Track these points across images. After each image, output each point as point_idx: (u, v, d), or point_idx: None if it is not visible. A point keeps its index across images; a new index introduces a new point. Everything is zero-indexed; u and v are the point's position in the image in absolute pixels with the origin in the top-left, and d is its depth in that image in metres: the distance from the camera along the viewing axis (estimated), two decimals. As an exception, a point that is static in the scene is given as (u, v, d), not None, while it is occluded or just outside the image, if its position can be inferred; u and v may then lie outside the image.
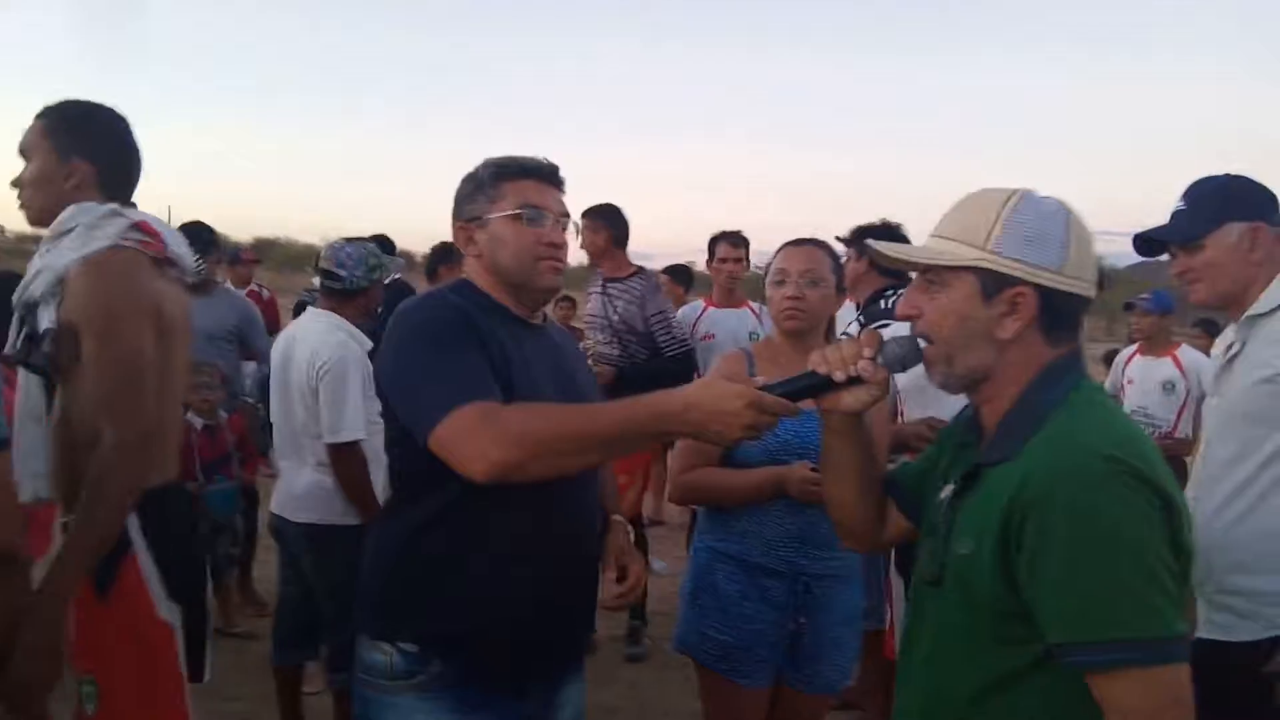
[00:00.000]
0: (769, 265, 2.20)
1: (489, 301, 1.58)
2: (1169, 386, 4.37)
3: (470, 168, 1.64)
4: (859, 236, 3.13)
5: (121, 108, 1.85)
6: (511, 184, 1.57)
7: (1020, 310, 1.14)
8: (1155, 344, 4.54)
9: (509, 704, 1.56)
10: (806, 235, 2.24)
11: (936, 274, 1.20)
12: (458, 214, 1.62)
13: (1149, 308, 4.53)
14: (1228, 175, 1.88)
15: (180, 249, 1.86)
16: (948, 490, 1.23)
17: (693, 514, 4.19)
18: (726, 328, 4.16)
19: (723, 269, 4.25)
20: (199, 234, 4.03)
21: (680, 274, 6.18)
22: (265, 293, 6.98)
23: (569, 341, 1.77)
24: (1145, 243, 1.94)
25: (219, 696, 3.37)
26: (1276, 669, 1.64)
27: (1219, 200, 1.81)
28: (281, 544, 2.95)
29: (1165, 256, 1.94)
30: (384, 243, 5.97)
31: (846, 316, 3.69)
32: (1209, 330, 5.60)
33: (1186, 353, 4.47)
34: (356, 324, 2.85)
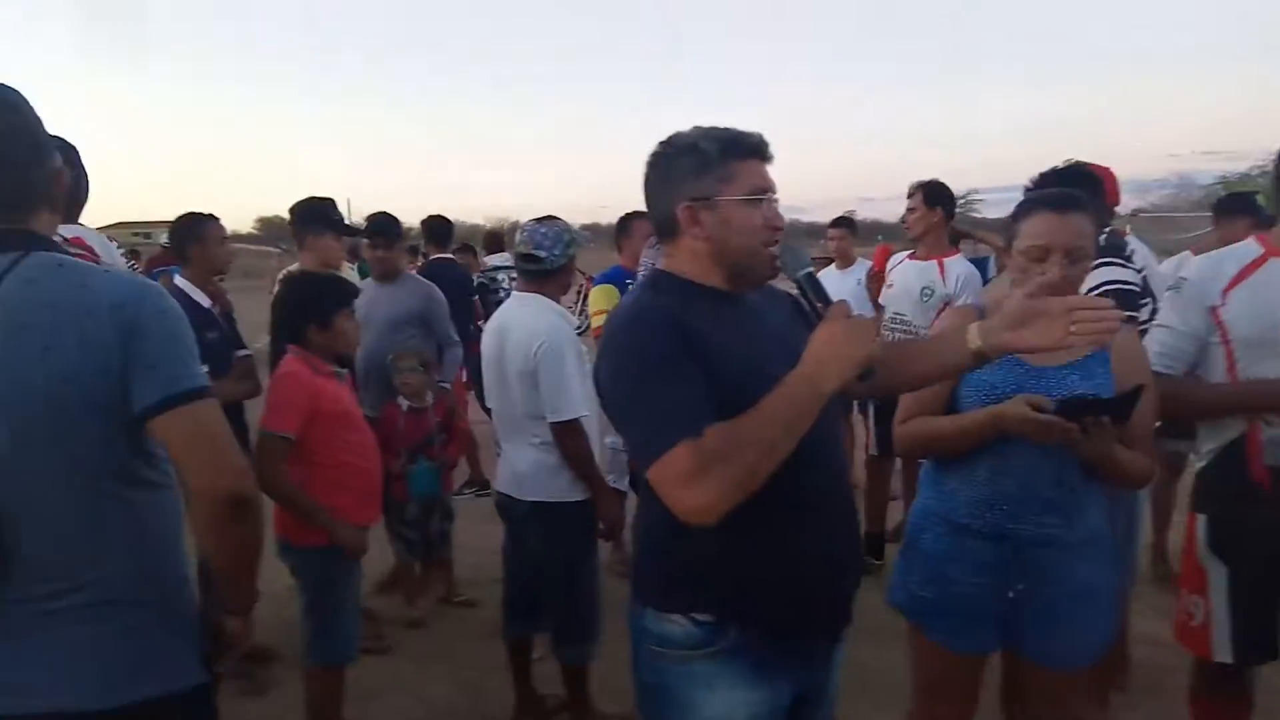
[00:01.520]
0: (1014, 227, 1.96)
1: (696, 288, 1.55)
2: None
3: (677, 137, 1.57)
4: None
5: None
6: (741, 164, 1.52)
7: None
8: None
9: (799, 667, 1.60)
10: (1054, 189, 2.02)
11: None
12: (677, 192, 1.54)
13: None
14: None
15: (113, 258, 2.00)
16: None
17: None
18: (904, 280, 4.20)
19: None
20: (385, 225, 4.20)
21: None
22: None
23: (771, 300, 1.70)
24: None
25: (452, 663, 3.58)
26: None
27: None
28: (507, 521, 3.04)
29: None
30: (442, 224, 6.10)
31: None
32: None
33: None
34: (553, 299, 2.91)
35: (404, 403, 3.88)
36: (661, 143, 1.58)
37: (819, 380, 1.37)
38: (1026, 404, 1.80)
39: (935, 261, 4.07)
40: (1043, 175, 2.80)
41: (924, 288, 4.05)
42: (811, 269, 1.52)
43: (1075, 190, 2.00)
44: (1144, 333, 2.79)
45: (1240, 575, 2.11)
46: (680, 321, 1.47)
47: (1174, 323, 2.22)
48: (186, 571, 1.50)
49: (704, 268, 1.56)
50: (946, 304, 3.91)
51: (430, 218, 6.18)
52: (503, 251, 7.23)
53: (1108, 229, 2.88)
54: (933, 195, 4.09)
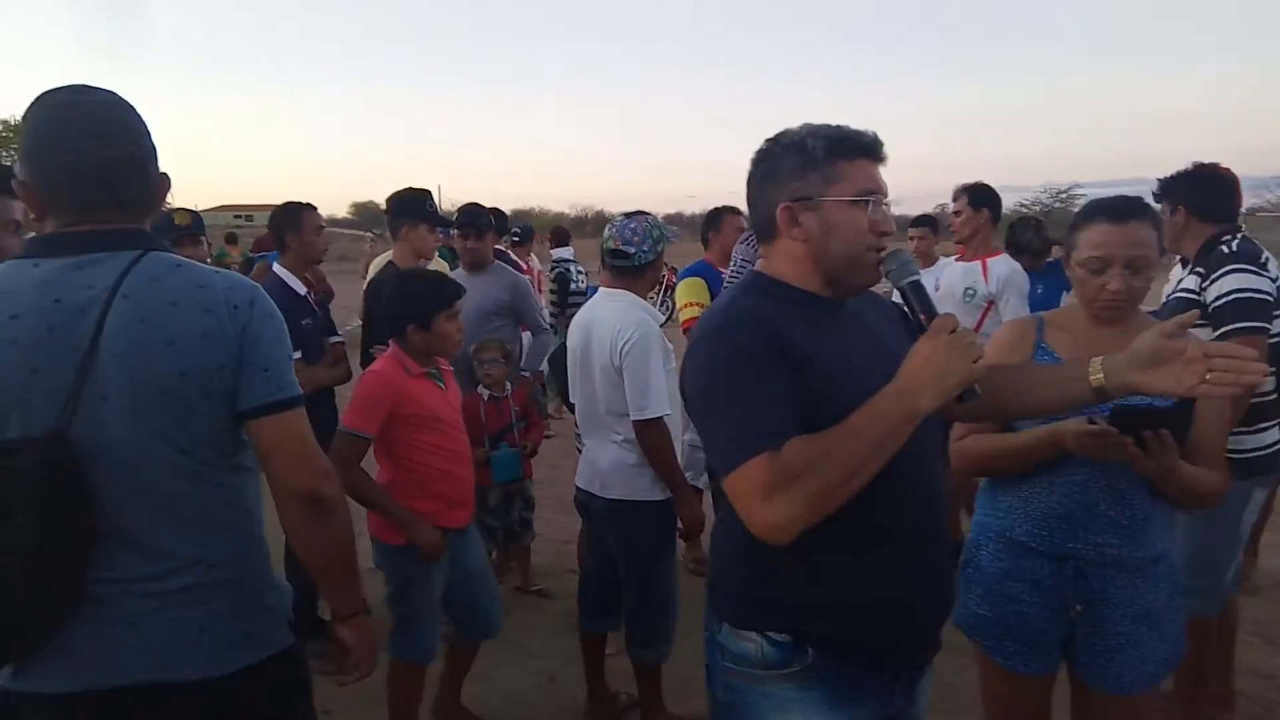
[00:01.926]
0: (1073, 238, 1.87)
1: (794, 293, 1.49)
2: None
3: (784, 134, 1.51)
4: (1170, 189, 2.84)
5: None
6: (849, 164, 1.44)
7: None
8: None
9: (879, 693, 1.53)
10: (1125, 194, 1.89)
11: None
12: (778, 190, 1.47)
13: None
14: None
15: None
16: None
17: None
18: (948, 281, 4.22)
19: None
20: (475, 216, 4.23)
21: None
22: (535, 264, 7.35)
23: (875, 308, 1.61)
24: None
25: (525, 652, 3.61)
26: None
27: None
28: (586, 518, 3.04)
29: None
30: (498, 215, 6.09)
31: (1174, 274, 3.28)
32: None
33: None
34: (640, 295, 2.87)
35: (485, 392, 3.93)
36: (768, 139, 1.52)
37: (914, 398, 1.30)
38: (1087, 420, 1.71)
39: (979, 262, 4.06)
40: (1160, 181, 2.67)
41: (967, 288, 4.05)
42: (918, 277, 1.44)
43: (1137, 197, 1.88)
44: (1276, 346, 2.61)
45: None
46: (773, 326, 1.41)
47: None
48: (267, 546, 1.60)
49: (803, 271, 1.49)
50: (990, 304, 3.98)
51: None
52: (567, 245, 7.34)
53: (1239, 234, 2.71)
54: (978, 197, 4.11)
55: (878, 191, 1.45)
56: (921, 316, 1.41)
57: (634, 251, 2.82)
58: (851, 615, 1.46)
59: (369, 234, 13.96)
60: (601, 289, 3.01)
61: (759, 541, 1.33)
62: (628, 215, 2.93)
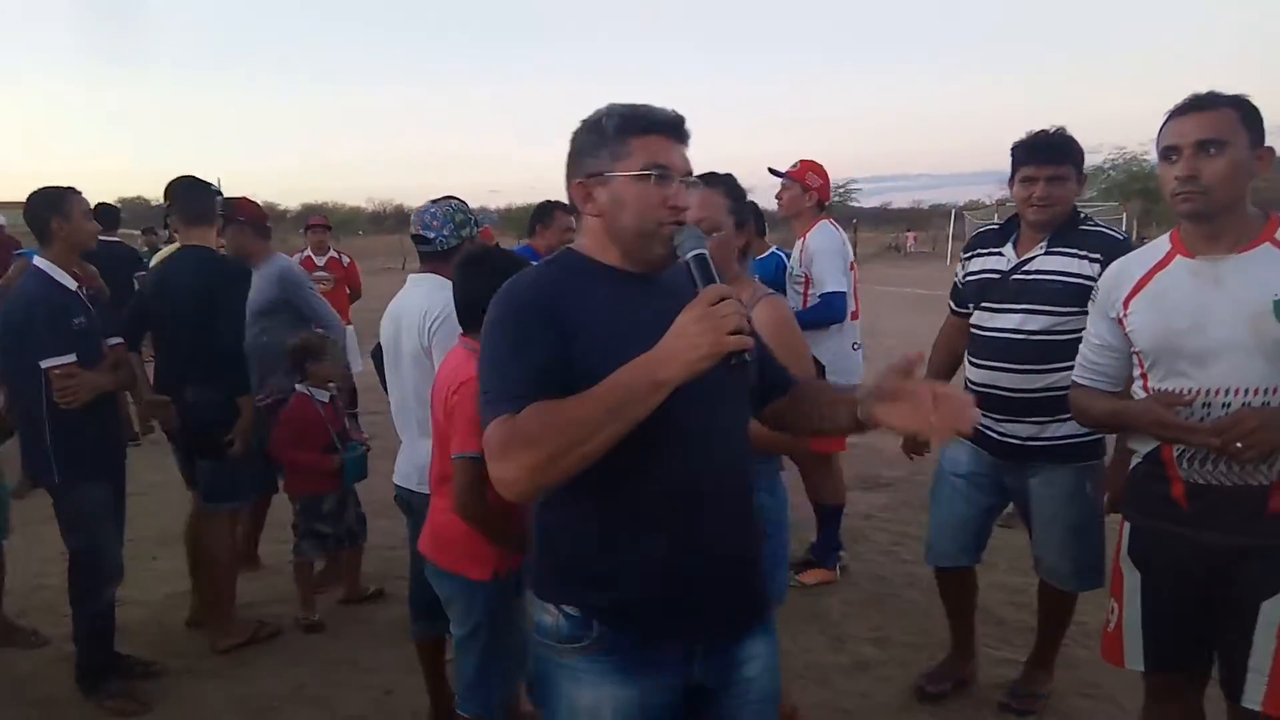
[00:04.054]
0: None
1: (593, 265, 1.53)
2: None
3: (589, 115, 1.52)
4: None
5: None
6: (639, 139, 1.46)
7: None
8: None
9: (677, 666, 1.53)
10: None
11: None
12: (576, 168, 1.51)
13: None
14: None
15: None
16: None
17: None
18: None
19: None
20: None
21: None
22: (345, 259, 6.95)
23: (688, 286, 1.49)
24: None
25: (358, 668, 3.38)
26: None
27: None
28: (410, 516, 2.86)
29: None
30: (109, 209, 5.95)
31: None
32: None
33: None
34: (449, 278, 2.71)
35: (313, 392, 3.75)
36: (581, 120, 1.54)
37: (659, 368, 1.30)
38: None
39: (801, 239, 4.10)
40: (1031, 133, 2.72)
41: (789, 270, 4.11)
42: (703, 251, 1.43)
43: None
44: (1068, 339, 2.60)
45: (1149, 584, 2.07)
46: (551, 296, 1.45)
47: (1089, 334, 2.19)
48: None
49: (602, 245, 1.52)
50: (807, 279, 3.99)
51: (99, 205, 6.08)
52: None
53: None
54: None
55: (666, 166, 1.46)
56: (700, 289, 1.39)
57: (434, 236, 2.80)
58: (634, 586, 1.47)
59: (138, 233, 12.78)
60: (409, 276, 2.95)
61: (555, 513, 1.41)
62: (434, 201, 2.88)
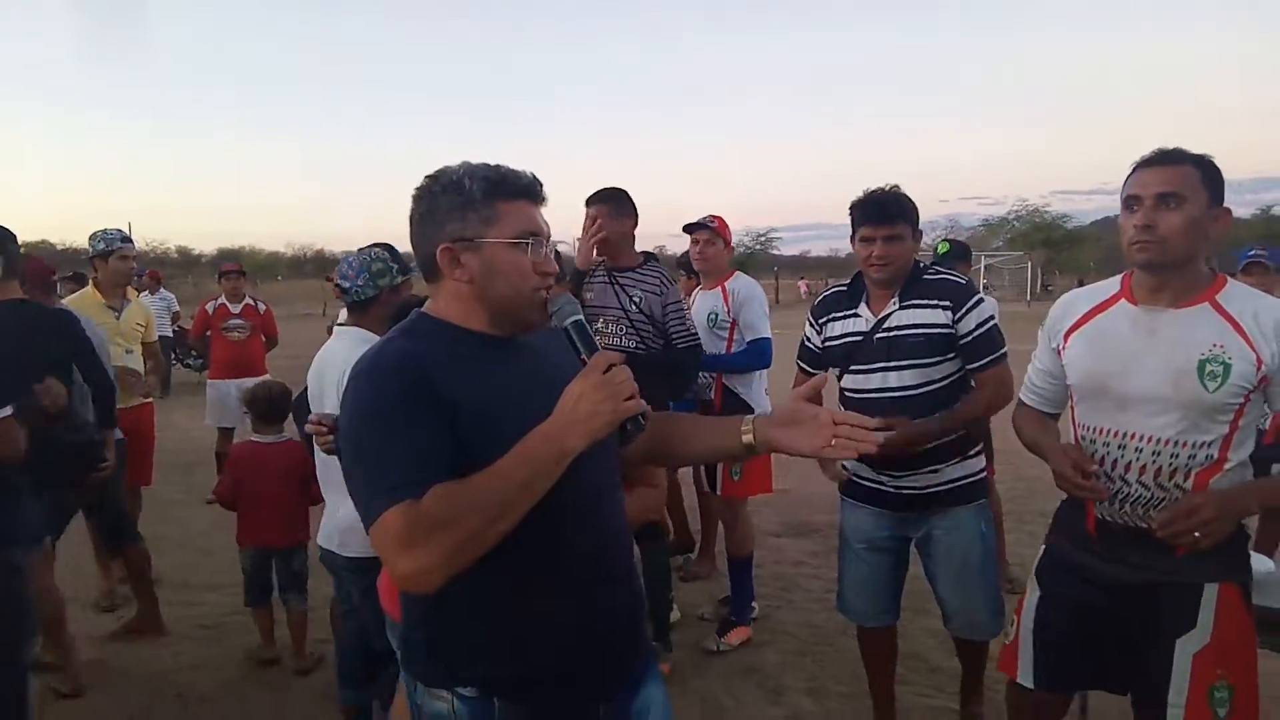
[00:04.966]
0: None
1: (457, 332, 1.46)
2: None
3: (443, 172, 1.47)
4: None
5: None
6: (507, 205, 1.43)
7: None
8: None
9: None
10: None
11: None
12: (437, 232, 1.44)
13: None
14: None
15: None
16: None
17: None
18: (695, 310, 4.17)
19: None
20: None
21: (689, 266, 5.91)
22: (261, 306, 6.73)
23: (552, 343, 1.54)
24: None
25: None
26: None
27: None
28: (334, 577, 2.73)
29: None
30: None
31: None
32: None
33: None
34: (373, 331, 2.67)
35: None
36: (427, 177, 1.48)
37: (563, 438, 1.29)
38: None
39: (719, 288, 4.13)
40: (866, 193, 2.75)
41: (710, 314, 4.11)
42: (579, 317, 1.44)
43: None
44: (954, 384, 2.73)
45: (1046, 605, 2.14)
46: (424, 370, 1.36)
47: (1036, 357, 2.27)
48: None
49: (468, 310, 1.46)
50: (734, 323, 4.03)
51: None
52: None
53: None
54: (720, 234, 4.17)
55: (538, 232, 1.45)
56: (584, 356, 1.40)
57: (349, 286, 2.73)
58: (530, 655, 1.43)
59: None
60: (335, 328, 2.85)
61: (443, 591, 1.27)
62: (360, 249, 2.80)
